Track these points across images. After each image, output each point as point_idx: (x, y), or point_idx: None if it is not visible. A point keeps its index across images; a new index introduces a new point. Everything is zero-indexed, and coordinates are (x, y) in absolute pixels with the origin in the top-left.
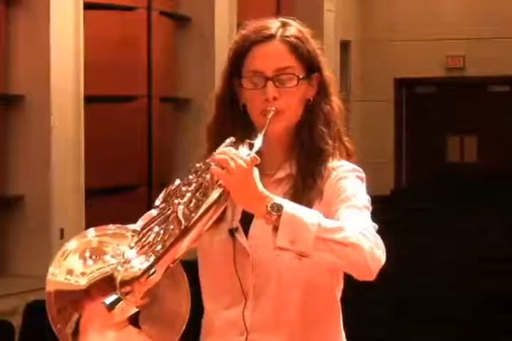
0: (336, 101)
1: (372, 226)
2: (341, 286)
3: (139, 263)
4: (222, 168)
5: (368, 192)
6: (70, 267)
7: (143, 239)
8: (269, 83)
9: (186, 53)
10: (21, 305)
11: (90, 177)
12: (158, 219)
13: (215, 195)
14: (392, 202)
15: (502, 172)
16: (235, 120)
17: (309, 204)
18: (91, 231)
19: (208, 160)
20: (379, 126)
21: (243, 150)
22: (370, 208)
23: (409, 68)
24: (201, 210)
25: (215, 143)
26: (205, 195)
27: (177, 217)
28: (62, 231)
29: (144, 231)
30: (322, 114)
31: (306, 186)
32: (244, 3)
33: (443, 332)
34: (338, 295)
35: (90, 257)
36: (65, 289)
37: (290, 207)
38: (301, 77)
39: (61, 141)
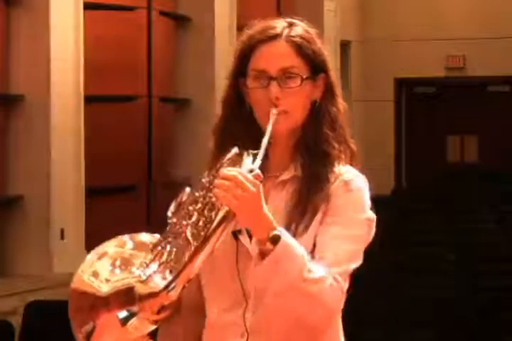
0: (341, 102)
1: (353, 263)
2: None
3: (159, 278)
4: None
5: (369, 191)
6: (98, 270)
7: (159, 256)
8: (273, 83)
9: (186, 53)
10: (21, 305)
11: (90, 177)
12: (170, 237)
13: (221, 214)
14: (393, 202)
15: (502, 172)
16: (241, 119)
17: (315, 207)
18: (129, 243)
19: (214, 183)
20: (379, 126)
21: (247, 163)
22: (371, 223)
23: (409, 68)
24: (210, 229)
25: (221, 143)
26: (213, 212)
27: (186, 237)
28: (62, 231)
29: (159, 247)
30: (328, 115)
31: (312, 188)
32: (244, 4)
33: (443, 333)
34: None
35: (119, 266)
36: (87, 290)
37: (284, 244)
38: (305, 77)
39: (61, 140)
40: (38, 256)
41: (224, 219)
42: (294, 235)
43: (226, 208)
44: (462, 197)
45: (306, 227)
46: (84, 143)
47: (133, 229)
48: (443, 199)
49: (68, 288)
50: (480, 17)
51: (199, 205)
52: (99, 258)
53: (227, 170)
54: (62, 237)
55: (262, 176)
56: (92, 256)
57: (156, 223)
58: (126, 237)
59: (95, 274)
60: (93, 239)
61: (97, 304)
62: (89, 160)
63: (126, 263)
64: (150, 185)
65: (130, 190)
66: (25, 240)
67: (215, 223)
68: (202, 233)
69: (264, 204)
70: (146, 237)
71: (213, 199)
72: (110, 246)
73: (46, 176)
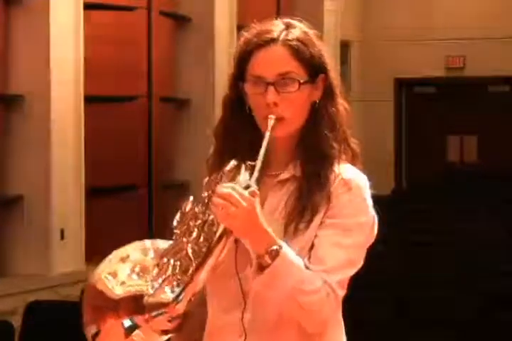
0: (341, 103)
1: (352, 269)
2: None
3: (169, 290)
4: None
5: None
6: (117, 271)
7: (164, 269)
8: (270, 88)
9: (186, 53)
10: (21, 305)
11: (90, 177)
12: (174, 249)
13: (221, 230)
14: (393, 201)
15: (502, 172)
16: (241, 122)
17: (316, 207)
18: (151, 252)
19: (211, 200)
20: (379, 126)
21: (244, 177)
22: (373, 225)
23: (409, 68)
24: (211, 245)
25: (221, 145)
26: (213, 228)
27: (188, 255)
28: (62, 231)
29: (164, 259)
30: (327, 116)
31: (312, 187)
32: (244, 3)
33: (443, 333)
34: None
35: (138, 273)
36: (102, 289)
37: (282, 259)
38: (302, 81)
39: (61, 141)
40: (38, 256)
41: (223, 235)
42: (294, 234)
43: (223, 226)
44: (462, 197)
45: (306, 227)
46: (84, 143)
47: (133, 229)
48: (443, 199)
49: (85, 284)
50: (480, 17)
51: (199, 221)
52: (121, 261)
53: (223, 187)
54: (62, 237)
55: (257, 193)
56: (113, 257)
57: (156, 223)
58: (148, 244)
59: (114, 274)
60: (93, 239)
61: (107, 306)
62: (89, 160)
63: (144, 271)
64: (150, 185)
65: (130, 190)
66: (25, 240)
67: (215, 239)
68: (203, 249)
69: (262, 220)
70: (163, 244)
71: (212, 216)
72: (133, 251)
73: (46, 176)
